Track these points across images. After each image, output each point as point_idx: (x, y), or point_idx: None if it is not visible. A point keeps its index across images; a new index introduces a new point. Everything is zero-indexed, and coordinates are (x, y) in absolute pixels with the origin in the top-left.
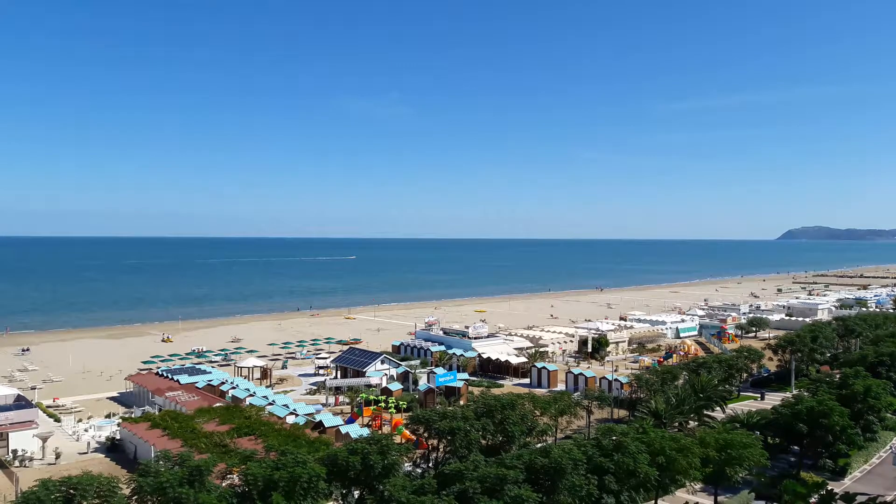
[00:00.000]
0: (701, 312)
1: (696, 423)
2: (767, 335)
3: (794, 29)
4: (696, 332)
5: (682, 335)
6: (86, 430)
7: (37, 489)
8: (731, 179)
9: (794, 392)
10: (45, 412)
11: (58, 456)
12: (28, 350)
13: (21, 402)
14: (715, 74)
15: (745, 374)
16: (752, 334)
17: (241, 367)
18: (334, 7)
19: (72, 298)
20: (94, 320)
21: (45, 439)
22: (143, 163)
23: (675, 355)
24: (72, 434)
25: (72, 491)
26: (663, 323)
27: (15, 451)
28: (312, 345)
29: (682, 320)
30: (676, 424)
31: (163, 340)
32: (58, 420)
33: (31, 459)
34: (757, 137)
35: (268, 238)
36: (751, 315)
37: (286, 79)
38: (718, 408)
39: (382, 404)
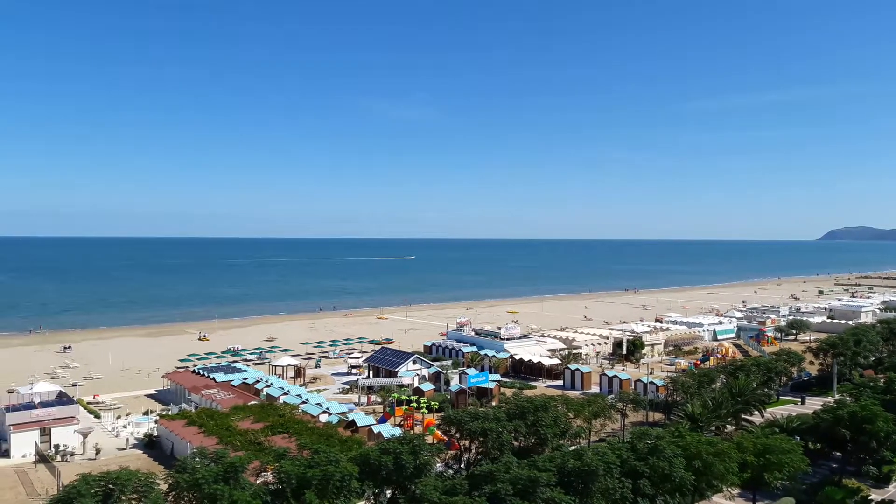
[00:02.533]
0: (739, 314)
1: (734, 427)
2: (808, 338)
3: (833, 27)
4: (733, 335)
5: (719, 337)
6: (124, 427)
7: (77, 483)
8: (770, 179)
9: (837, 397)
10: (85, 408)
11: (98, 451)
12: (69, 348)
13: (63, 399)
14: (752, 72)
15: (784, 378)
16: (793, 337)
17: (276, 366)
18: (361, 7)
19: (111, 298)
20: (132, 319)
21: (85, 435)
22: (178, 164)
23: (712, 358)
24: (111, 430)
25: (111, 486)
26: (700, 325)
27: (57, 446)
28: (345, 344)
29: (720, 322)
30: (713, 428)
31: (199, 339)
32: (98, 416)
33: (72, 454)
34: (798, 136)
35: (321, 238)
36: (791, 317)
37: (313, 80)
38: (757, 412)
39: (414, 404)
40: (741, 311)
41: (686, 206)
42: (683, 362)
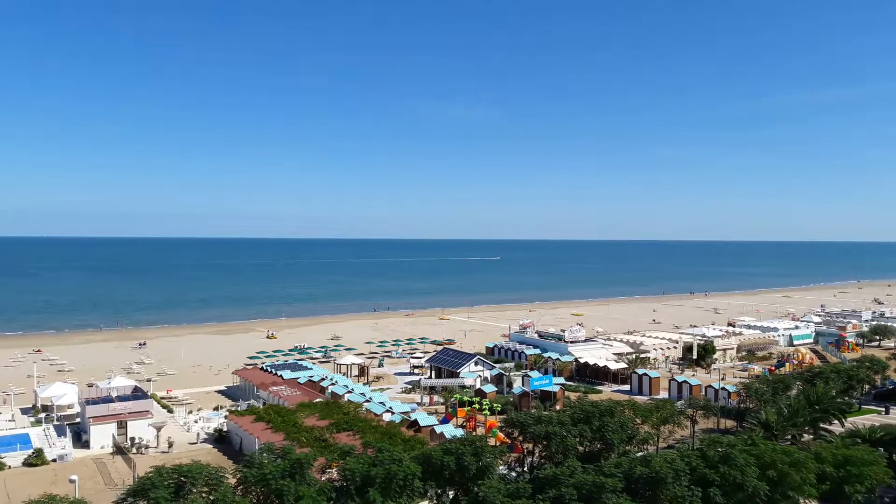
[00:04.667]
0: (817, 319)
1: (812, 436)
2: (893, 345)
3: None
4: (811, 340)
5: (795, 343)
6: (195, 422)
7: (152, 475)
8: (850, 176)
9: None
10: (159, 403)
11: (170, 445)
12: (144, 344)
13: (138, 393)
14: (833, 68)
15: (867, 386)
16: (876, 343)
17: (340, 364)
18: (422, 7)
19: (184, 296)
20: (204, 317)
21: (158, 428)
22: (249, 164)
23: (787, 364)
24: (183, 424)
25: (183, 479)
26: (775, 329)
27: (133, 439)
28: (408, 344)
29: (796, 327)
30: (789, 437)
31: (267, 337)
32: (170, 411)
33: (146, 447)
34: (878, 132)
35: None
36: (874, 322)
37: (379, 82)
38: (836, 421)
39: (477, 406)
40: (819, 315)
41: (760, 206)
42: (757, 368)
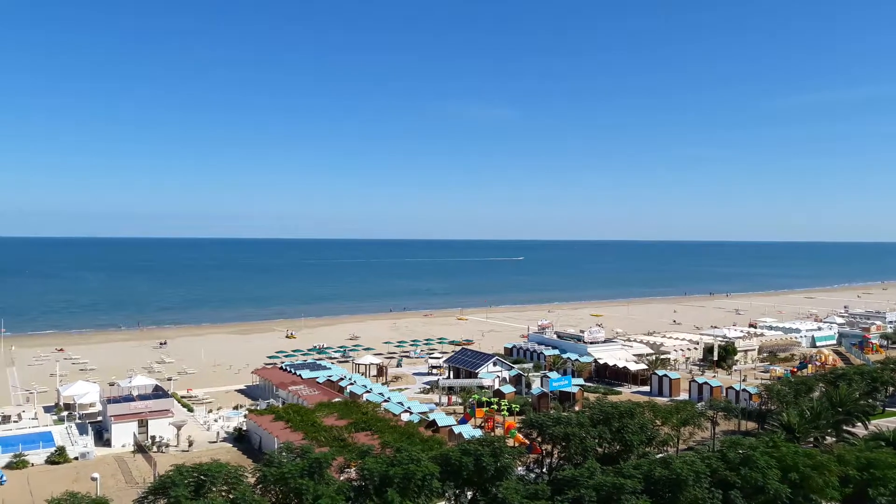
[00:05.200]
0: (840, 320)
1: (834, 439)
2: None
3: None
4: (834, 342)
5: (818, 344)
6: (215, 421)
7: (172, 474)
8: (873, 174)
9: None
10: (179, 402)
11: (190, 443)
12: (165, 344)
13: (159, 392)
14: (844, 68)
15: (891, 388)
16: None
17: (359, 364)
18: (443, 9)
19: (203, 296)
20: (224, 317)
21: (179, 427)
22: (250, 164)
23: (810, 365)
24: (203, 423)
25: (202, 477)
26: (797, 331)
27: (153, 437)
28: (426, 344)
29: (819, 328)
30: (811, 440)
31: (287, 337)
32: (190, 410)
33: (167, 446)
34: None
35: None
36: None
37: (401, 81)
38: (860, 423)
39: (495, 406)
40: (843, 316)
41: (781, 206)
42: (779, 369)
